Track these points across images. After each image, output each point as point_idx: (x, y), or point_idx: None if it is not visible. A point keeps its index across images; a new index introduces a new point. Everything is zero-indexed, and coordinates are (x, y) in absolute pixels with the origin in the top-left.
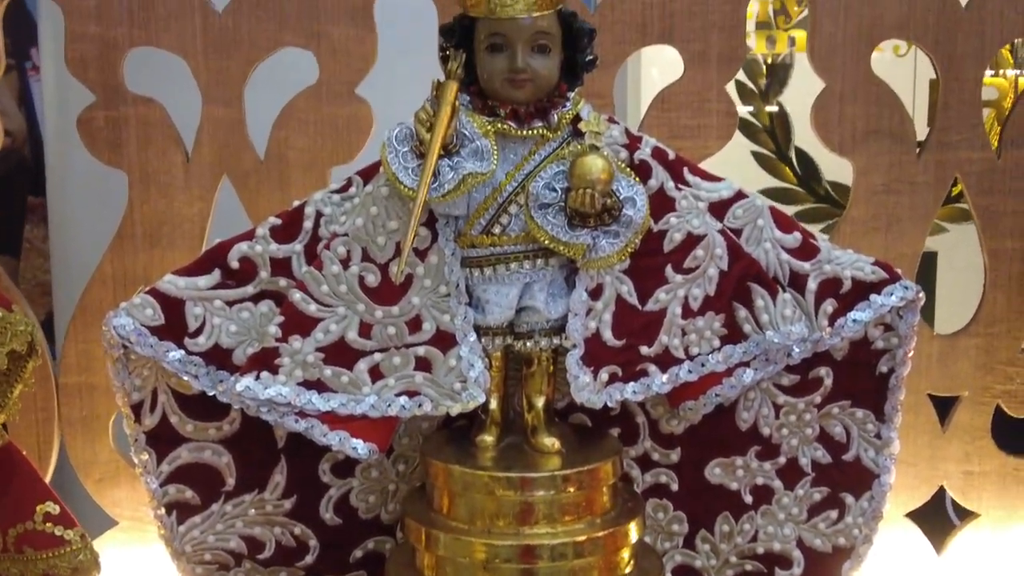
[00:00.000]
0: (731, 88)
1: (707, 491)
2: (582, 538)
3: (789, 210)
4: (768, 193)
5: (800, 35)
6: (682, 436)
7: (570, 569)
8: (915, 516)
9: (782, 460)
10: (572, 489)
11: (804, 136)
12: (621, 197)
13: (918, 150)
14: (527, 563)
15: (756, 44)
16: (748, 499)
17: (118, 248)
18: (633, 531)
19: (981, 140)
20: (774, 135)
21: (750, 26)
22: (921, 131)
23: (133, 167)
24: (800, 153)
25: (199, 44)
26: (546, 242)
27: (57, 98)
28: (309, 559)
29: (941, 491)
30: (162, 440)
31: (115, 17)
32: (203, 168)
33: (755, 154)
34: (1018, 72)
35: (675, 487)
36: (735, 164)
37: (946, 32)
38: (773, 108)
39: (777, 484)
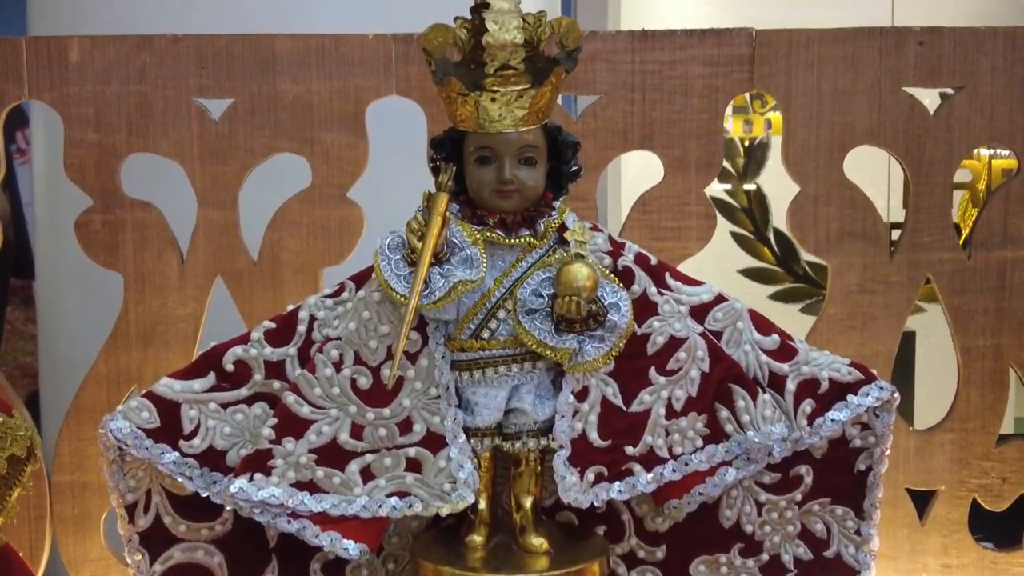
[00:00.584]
0: None
1: None
2: None
3: (768, 290)
4: (747, 273)
5: (776, 118)
6: (667, 534)
7: None
8: None
9: (765, 557)
10: None
11: (782, 216)
12: (606, 303)
13: (891, 251)
14: None
15: (733, 127)
16: None
17: (112, 348)
18: None
19: (951, 241)
20: (752, 215)
21: (727, 110)
22: (898, 213)
23: (129, 269)
24: (778, 233)
25: (195, 150)
26: (533, 346)
27: (50, 193)
28: None
29: None
30: (155, 540)
31: (113, 124)
32: (197, 269)
33: (734, 234)
34: (991, 152)
35: None
36: (713, 244)
37: (915, 139)
38: (751, 187)
39: None
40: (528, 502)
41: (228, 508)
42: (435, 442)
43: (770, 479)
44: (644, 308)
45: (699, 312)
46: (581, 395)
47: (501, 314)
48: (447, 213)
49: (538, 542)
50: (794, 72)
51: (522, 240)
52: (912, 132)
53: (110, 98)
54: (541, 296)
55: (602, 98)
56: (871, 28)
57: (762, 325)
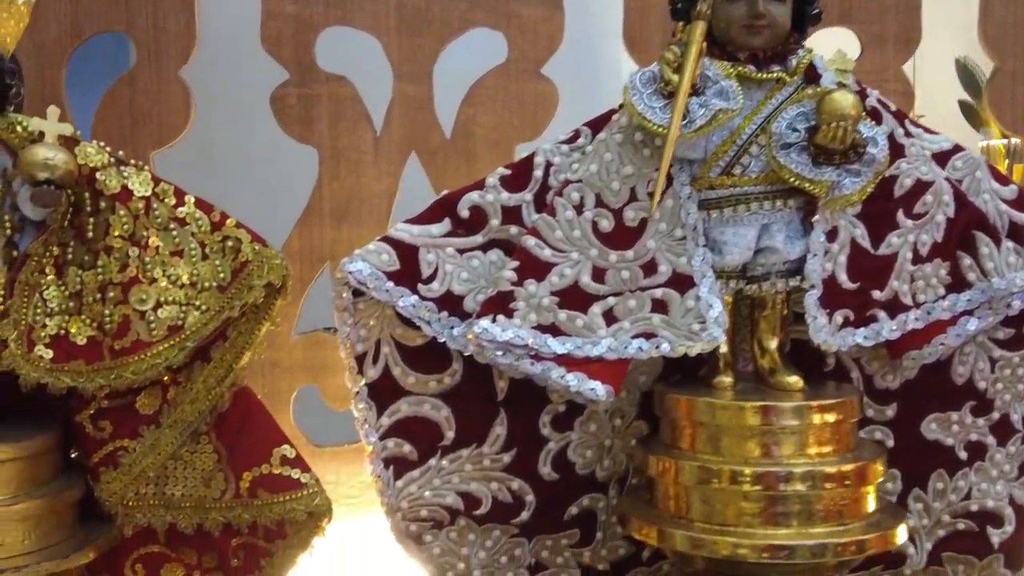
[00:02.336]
0: None
1: (922, 448)
2: (832, 469)
3: None
4: None
5: None
6: (897, 391)
7: (818, 497)
8: None
9: (995, 416)
10: (821, 419)
11: None
12: (864, 136)
13: None
14: (775, 488)
15: None
16: (962, 455)
17: (305, 223)
18: (879, 469)
19: None
20: None
21: None
22: None
23: (323, 143)
24: None
25: (392, 23)
26: (791, 180)
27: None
28: (525, 515)
29: None
30: (383, 392)
31: None
32: (392, 145)
33: None
34: None
35: (891, 443)
36: None
37: None
38: None
39: (990, 440)
40: (774, 344)
41: (456, 361)
42: (682, 283)
43: (1004, 335)
44: (892, 149)
45: (940, 159)
46: (831, 235)
47: (754, 150)
48: (703, 43)
49: (793, 379)
50: None
51: (773, 75)
52: None
53: None
54: (797, 130)
55: None
56: None
57: (999, 176)
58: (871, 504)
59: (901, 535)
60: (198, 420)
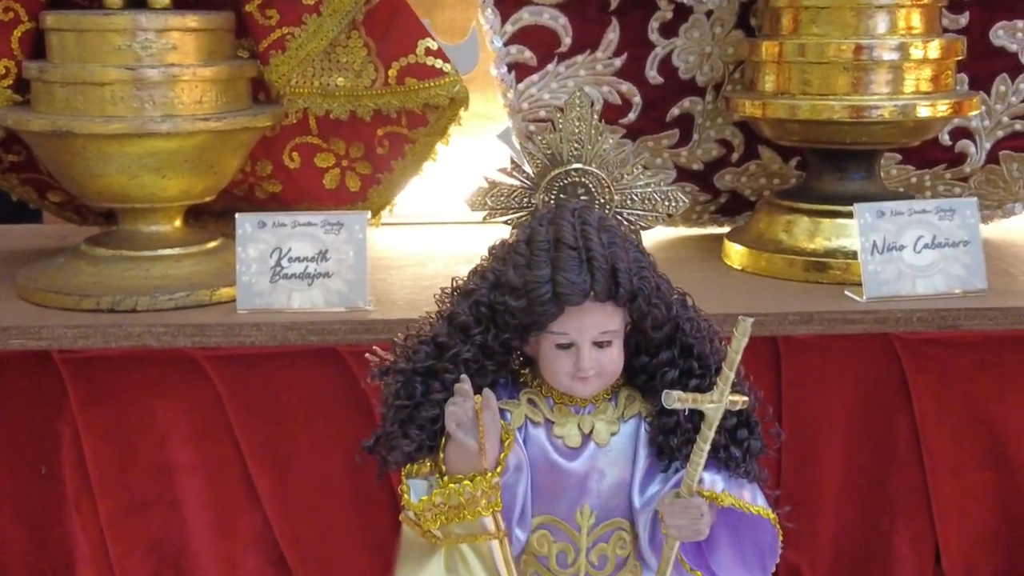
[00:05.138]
0: None
1: (989, 54)
2: (920, 41)
3: None
4: None
5: None
6: (969, 1)
7: (906, 67)
8: None
9: None
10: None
11: None
12: None
13: None
14: (869, 58)
15: None
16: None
17: None
18: (960, 47)
19: None
20: None
21: None
22: None
23: None
24: None
25: None
26: None
27: None
28: (632, 116)
29: None
30: (507, 1)
31: None
32: None
33: None
34: None
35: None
36: None
37: None
38: None
39: None
40: None
41: None
42: None
43: None
44: None
45: None
46: None
47: None
48: None
49: None
50: None
51: None
52: None
53: None
54: None
55: None
56: None
57: None
58: (952, 82)
59: (974, 106)
60: (354, 9)
